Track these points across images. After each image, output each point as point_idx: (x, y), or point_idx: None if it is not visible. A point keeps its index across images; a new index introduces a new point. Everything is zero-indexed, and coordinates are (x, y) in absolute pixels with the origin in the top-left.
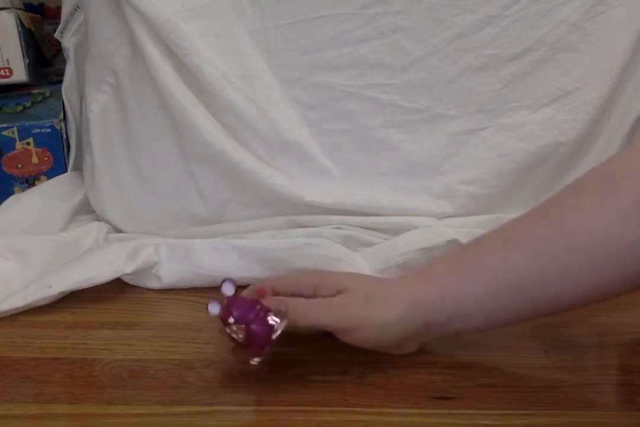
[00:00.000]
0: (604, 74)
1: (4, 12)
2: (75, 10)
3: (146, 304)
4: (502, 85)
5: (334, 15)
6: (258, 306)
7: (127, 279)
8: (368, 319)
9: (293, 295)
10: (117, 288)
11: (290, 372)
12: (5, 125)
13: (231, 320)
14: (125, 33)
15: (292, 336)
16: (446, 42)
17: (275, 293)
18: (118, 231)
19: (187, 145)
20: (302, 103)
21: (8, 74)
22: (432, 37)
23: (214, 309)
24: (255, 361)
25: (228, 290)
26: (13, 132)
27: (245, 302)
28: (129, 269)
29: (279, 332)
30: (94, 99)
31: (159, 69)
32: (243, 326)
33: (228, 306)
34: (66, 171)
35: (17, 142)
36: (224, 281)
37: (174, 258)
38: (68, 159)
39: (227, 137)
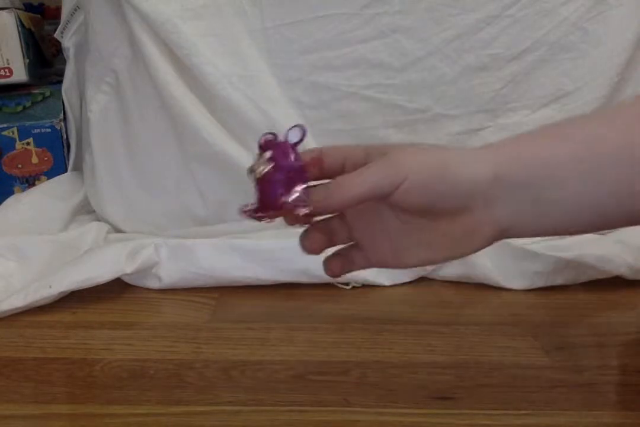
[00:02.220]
0: (604, 74)
1: (4, 12)
2: (75, 10)
3: (146, 304)
4: (502, 85)
5: (334, 15)
6: (300, 168)
7: (127, 279)
8: (424, 161)
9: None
10: (117, 288)
11: (290, 372)
12: (5, 125)
13: (268, 154)
14: (125, 33)
15: (292, 335)
16: (446, 42)
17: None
18: (118, 231)
19: (187, 145)
20: (302, 103)
21: (8, 74)
22: (432, 37)
23: (295, 135)
24: (249, 214)
25: (294, 136)
26: (13, 132)
27: (295, 157)
28: (129, 269)
29: (292, 198)
30: (94, 99)
31: (159, 69)
32: (271, 165)
33: (279, 146)
34: (66, 171)
35: (17, 142)
36: (293, 127)
37: (174, 258)
38: (68, 159)
39: (227, 137)
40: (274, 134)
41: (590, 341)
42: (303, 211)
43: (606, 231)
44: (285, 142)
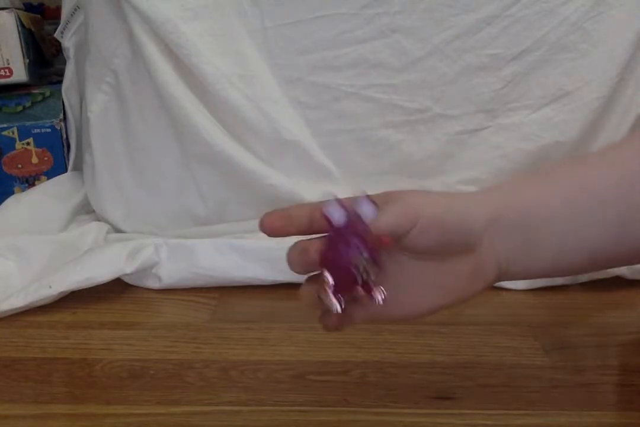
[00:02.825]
0: (604, 74)
1: (4, 12)
2: (75, 10)
3: (146, 304)
4: (502, 85)
5: (334, 15)
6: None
7: (127, 279)
8: (434, 199)
9: None
10: (117, 288)
11: (290, 372)
12: (5, 125)
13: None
14: (125, 33)
15: (292, 335)
16: (446, 42)
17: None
18: (118, 231)
19: (187, 145)
20: (302, 103)
21: (8, 74)
22: (432, 37)
23: (338, 215)
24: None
25: (337, 216)
26: (13, 132)
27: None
28: (129, 269)
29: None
30: (94, 99)
31: (159, 69)
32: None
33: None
34: (66, 171)
35: (17, 142)
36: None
37: (174, 258)
38: (68, 159)
39: (227, 137)
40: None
41: (590, 341)
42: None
43: None
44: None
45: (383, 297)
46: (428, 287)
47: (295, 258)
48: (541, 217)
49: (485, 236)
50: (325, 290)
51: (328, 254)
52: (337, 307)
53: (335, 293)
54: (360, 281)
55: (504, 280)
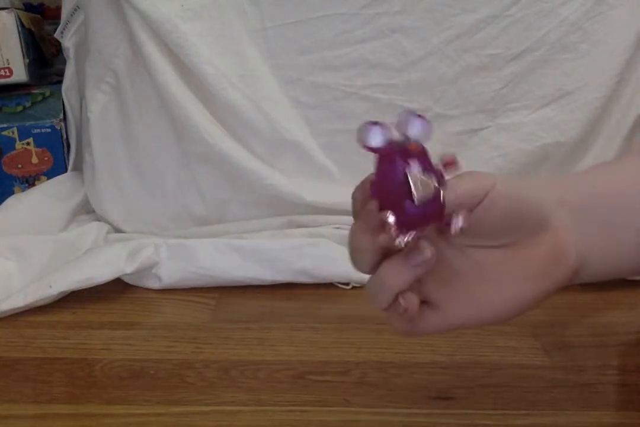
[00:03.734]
0: (604, 74)
1: (4, 12)
2: (75, 10)
3: (146, 304)
4: (502, 85)
5: (334, 15)
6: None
7: (127, 279)
8: (502, 176)
9: None
10: (117, 288)
11: (290, 372)
12: (5, 125)
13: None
14: (125, 33)
15: (292, 335)
16: (446, 42)
17: None
18: (118, 231)
19: (187, 145)
20: (302, 103)
21: (8, 74)
22: (432, 37)
23: (378, 138)
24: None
25: (376, 138)
26: (13, 132)
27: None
28: (129, 269)
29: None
30: (94, 99)
31: (159, 69)
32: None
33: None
34: (66, 171)
35: (17, 142)
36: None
37: (174, 258)
38: (68, 159)
39: (227, 137)
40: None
41: (590, 341)
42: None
43: None
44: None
45: (462, 224)
46: (506, 278)
47: (356, 196)
48: (612, 198)
49: (555, 218)
50: (387, 230)
51: (376, 181)
52: (401, 240)
53: (402, 230)
54: (422, 204)
55: (589, 273)
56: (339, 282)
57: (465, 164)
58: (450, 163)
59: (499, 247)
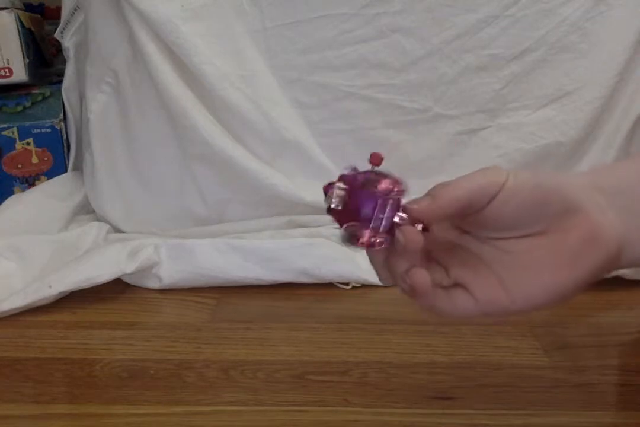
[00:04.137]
0: (604, 74)
1: (4, 12)
2: (75, 10)
3: (146, 304)
4: (502, 85)
5: (334, 15)
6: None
7: (127, 279)
8: (521, 170)
9: None
10: (117, 288)
11: (290, 372)
12: (5, 125)
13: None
14: (125, 33)
15: (292, 335)
16: (446, 42)
17: None
18: (118, 231)
19: (187, 145)
20: (302, 103)
21: (8, 74)
22: (432, 37)
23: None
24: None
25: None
26: (13, 132)
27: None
28: (129, 269)
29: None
30: (94, 99)
31: (159, 69)
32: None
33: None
34: (66, 171)
35: (17, 142)
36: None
37: (174, 258)
38: (68, 159)
39: (227, 137)
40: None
41: (590, 341)
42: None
43: None
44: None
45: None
46: (537, 266)
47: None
48: None
49: (588, 202)
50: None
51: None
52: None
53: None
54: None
55: (629, 258)
56: (339, 282)
57: (465, 164)
58: (374, 159)
59: (528, 236)
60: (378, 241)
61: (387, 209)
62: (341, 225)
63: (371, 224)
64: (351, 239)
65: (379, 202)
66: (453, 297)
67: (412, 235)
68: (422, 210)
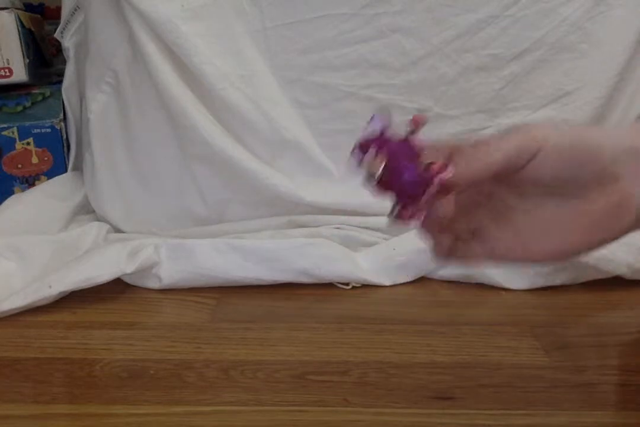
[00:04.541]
0: (604, 74)
1: (4, 12)
2: (75, 10)
3: (146, 304)
4: (502, 85)
5: (334, 15)
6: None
7: (127, 279)
8: (561, 130)
9: None
10: (117, 288)
11: (290, 372)
12: (5, 125)
13: (372, 151)
14: (125, 33)
15: (292, 335)
16: (446, 42)
17: None
18: (118, 231)
19: (187, 145)
20: (302, 103)
21: (8, 74)
22: (432, 37)
23: (375, 124)
24: (396, 220)
25: (377, 124)
26: (13, 132)
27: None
28: (129, 269)
29: (436, 183)
30: (94, 99)
31: (159, 69)
32: (384, 160)
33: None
34: (66, 171)
35: (17, 142)
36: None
37: (174, 258)
38: (68, 159)
39: (227, 137)
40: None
41: (590, 341)
42: (447, 174)
43: None
44: (381, 133)
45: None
46: (545, 229)
47: None
48: None
49: (626, 169)
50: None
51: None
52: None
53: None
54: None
55: None
56: (339, 282)
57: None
58: (416, 121)
59: (557, 194)
60: (423, 214)
61: (428, 181)
62: (377, 193)
63: (417, 199)
64: (400, 214)
65: (421, 174)
66: (470, 249)
67: (448, 208)
68: (459, 177)
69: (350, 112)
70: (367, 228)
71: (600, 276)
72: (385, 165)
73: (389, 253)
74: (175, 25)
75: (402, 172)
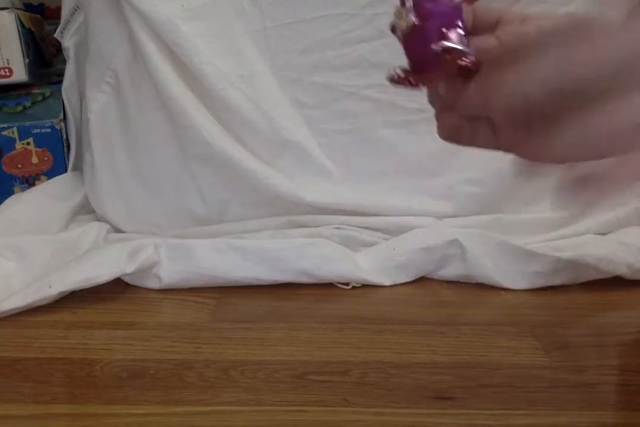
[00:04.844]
0: None
1: (4, 12)
2: (75, 10)
3: (146, 304)
4: None
5: (334, 15)
6: (454, 9)
7: (127, 279)
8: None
9: None
10: (117, 288)
11: (290, 372)
12: (5, 125)
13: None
14: (125, 33)
15: (292, 335)
16: None
17: None
18: (118, 231)
19: (187, 145)
20: (302, 103)
21: (8, 74)
22: None
23: None
24: (400, 80)
25: None
26: (13, 132)
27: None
28: (129, 269)
29: (450, 41)
30: (94, 99)
31: (159, 69)
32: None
33: None
34: (66, 171)
35: (17, 142)
36: None
37: (174, 258)
38: (68, 159)
39: (227, 137)
40: None
41: (590, 341)
42: (464, 62)
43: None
44: None
45: (467, 62)
46: (557, 128)
47: None
48: None
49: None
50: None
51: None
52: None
53: (413, 71)
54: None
55: None
56: (339, 282)
57: (465, 164)
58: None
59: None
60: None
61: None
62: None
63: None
64: (402, 78)
65: (437, 52)
66: (477, 132)
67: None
68: (486, 52)
69: (350, 112)
70: (367, 228)
71: (600, 276)
72: (414, 24)
73: (389, 253)
74: (175, 25)
75: (425, 37)
